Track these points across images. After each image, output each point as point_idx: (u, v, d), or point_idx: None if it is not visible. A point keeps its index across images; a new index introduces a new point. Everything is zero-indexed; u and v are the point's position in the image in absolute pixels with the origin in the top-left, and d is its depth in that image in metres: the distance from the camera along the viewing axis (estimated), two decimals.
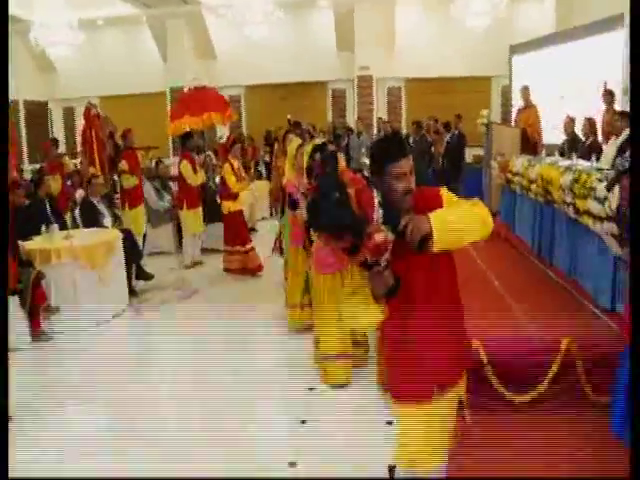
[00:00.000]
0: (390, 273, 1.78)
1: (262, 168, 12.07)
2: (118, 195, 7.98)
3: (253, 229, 9.59)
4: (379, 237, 1.72)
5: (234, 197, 7.00)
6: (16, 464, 1.86)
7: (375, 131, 12.80)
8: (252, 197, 9.81)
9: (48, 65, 15.67)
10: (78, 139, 15.97)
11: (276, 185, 8.17)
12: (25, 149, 15.10)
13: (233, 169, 6.94)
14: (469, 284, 4.63)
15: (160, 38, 14.61)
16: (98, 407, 3.88)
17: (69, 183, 8.52)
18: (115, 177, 8.08)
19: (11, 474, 2.12)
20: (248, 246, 7.05)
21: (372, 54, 13.42)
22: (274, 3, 12.09)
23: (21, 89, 15.24)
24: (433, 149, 10.27)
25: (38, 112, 15.95)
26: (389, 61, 13.52)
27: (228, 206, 7.01)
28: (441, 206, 1.85)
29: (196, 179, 7.34)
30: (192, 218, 7.49)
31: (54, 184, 7.34)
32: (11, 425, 3.09)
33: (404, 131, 12.25)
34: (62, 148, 14.22)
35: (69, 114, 16.70)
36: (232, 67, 14.27)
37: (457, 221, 1.76)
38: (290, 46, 14.05)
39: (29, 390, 3.97)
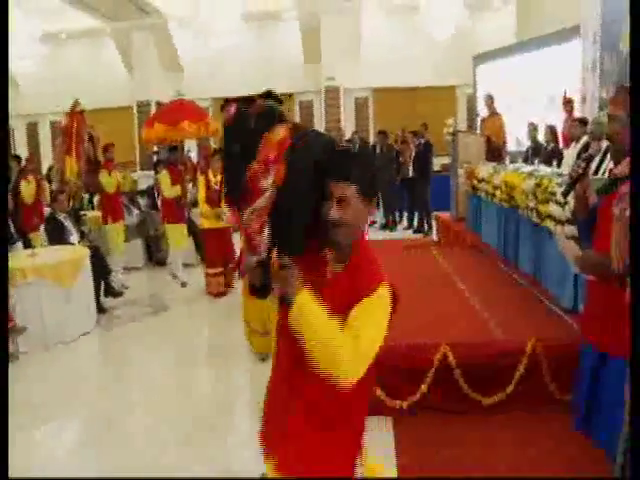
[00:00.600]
0: (259, 271, 1.57)
1: None
2: (84, 212, 7.88)
3: None
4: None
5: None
6: None
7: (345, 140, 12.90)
8: None
9: (9, 80, 15.41)
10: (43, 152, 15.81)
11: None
12: None
13: (208, 183, 6.54)
14: (435, 288, 4.73)
15: (125, 51, 14.52)
16: (66, 426, 3.81)
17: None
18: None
19: None
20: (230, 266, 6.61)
21: (339, 65, 13.57)
22: (240, 15, 12.15)
23: None
24: (401, 158, 10.39)
25: None
26: (356, 71, 13.68)
27: (203, 222, 6.68)
28: (358, 298, 1.50)
29: (170, 192, 7.11)
30: (175, 232, 7.25)
31: (28, 192, 7.19)
32: None
33: (371, 140, 12.35)
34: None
35: (33, 130, 16.46)
36: (199, 80, 14.25)
37: (315, 328, 1.44)
38: (257, 58, 14.12)
39: None
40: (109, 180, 7.29)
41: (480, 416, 3.16)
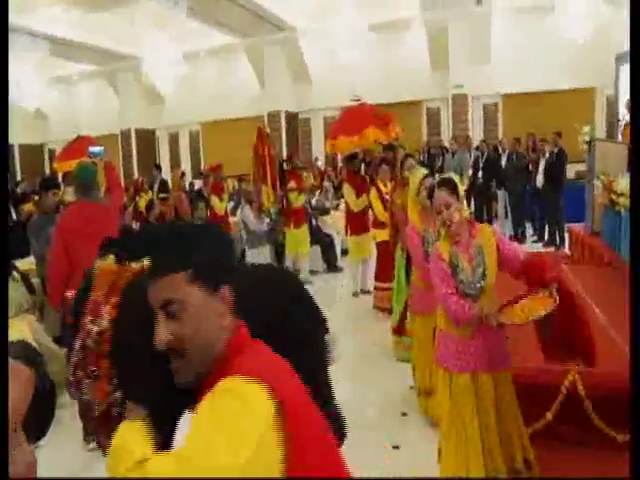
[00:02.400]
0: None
1: None
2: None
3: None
4: None
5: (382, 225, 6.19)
6: None
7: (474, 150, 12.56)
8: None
9: (156, 96, 16.84)
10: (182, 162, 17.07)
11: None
12: (136, 173, 16.29)
13: (380, 194, 6.31)
14: (566, 309, 4.45)
15: (257, 65, 15.27)
16: None
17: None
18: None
19: None
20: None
21: (467, 71, 13.26)
22: (367, 26, 12.30)
23: (133, 120, 16.52)
24: (530, 167, 9.93)
25: (147, 139, 17.18)
26: (484, 77, 13.29)
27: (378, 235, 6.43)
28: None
29: (358, 205, 7.00)
30: (356, 243, 7.25)
31: (219, 204, 7.77)
32: None
33: (500, 148, 11.90)
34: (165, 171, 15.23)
35: (174, 140, 17.85)
36: (327, 90, 14.61)
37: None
38: (384, 67, 14.19)
39: None
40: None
41: (610, 452, 2.93)
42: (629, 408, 1.69)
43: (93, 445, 3.33)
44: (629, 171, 6.81)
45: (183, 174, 9.37)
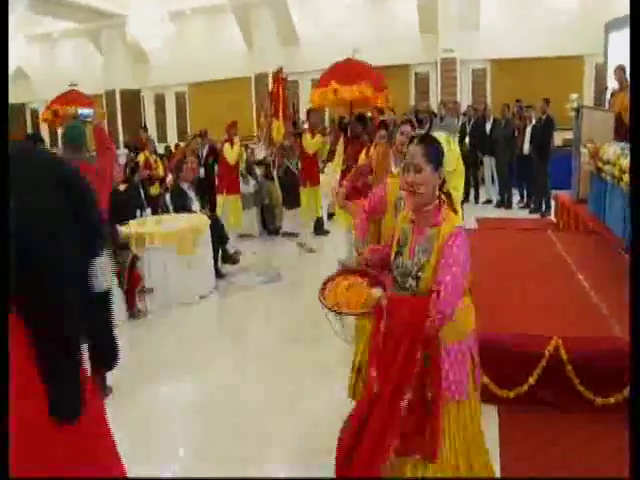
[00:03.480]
0: None
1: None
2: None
3: (333, 214, 9.75)
4: None
5: None
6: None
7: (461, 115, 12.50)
8: (334, 182, 9.93)
9: (142, 56, 16.46)
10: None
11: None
12: (121, 135, 16.03)
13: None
14: (551, 275, 4.55)
15: (244, 26, 14.95)
16: (186, 384, 4.16)
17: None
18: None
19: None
20: None
21: (456, 36, 13.09)
22: None
23: (117, 80, 16.17)
24: (516, 133, 9.97)
25: (132, 100, 16.84)
26: (474, 43, 13.15)
27: None
28: None
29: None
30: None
31: (230, 152, 7.93)
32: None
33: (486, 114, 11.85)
34: (153, 133, 15.03)
35: (160, 101, 17.53)
36: (315, 53, 14.37)
37: None
38: (372, 30, 13.95)
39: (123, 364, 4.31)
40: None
41: (590, 414, 3.04)
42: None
43: None
44: (615, 139, 6.89)
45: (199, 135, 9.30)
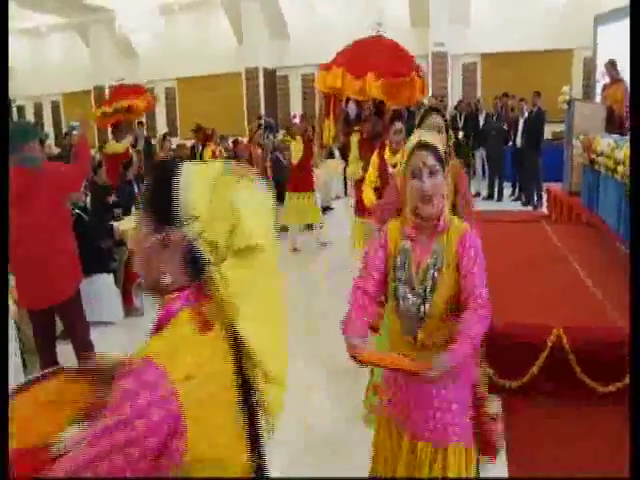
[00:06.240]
0: None
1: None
2: None
3: (328, 207, 9.79)
4: None
5: None
6: None
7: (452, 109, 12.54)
8: (327, 175, 9.96)
9: (130, 51, 16.32)
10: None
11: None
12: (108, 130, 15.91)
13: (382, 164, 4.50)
14: (547, 266, 4.59)
15: (234, 20, 14.87)
16: None
17: None
18: None
19: None
20: None
21: (447, 30, 13.12)
22: None
23: (104, 75, 16.03)
24: (506, 126, 10.07)
25: None
26: (464, 36, 13.18)
27: None
28: None
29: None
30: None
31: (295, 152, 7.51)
32: None
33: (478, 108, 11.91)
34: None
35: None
36: (305, 47, 14.35)
37: None
38: (363, 24, 13.92)
39: None
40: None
41: (594, 406, 3.08)
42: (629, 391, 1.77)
43: None
44: (607, 131, 6.95)
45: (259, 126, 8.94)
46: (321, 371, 3.98)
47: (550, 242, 5.45)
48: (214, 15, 15.24)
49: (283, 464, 2.83)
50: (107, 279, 5.18)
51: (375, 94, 5.57)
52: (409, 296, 1.85)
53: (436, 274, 1.82)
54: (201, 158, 7.55)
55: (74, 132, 4.25)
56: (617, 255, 4.93)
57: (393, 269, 1.89)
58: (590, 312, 3.53)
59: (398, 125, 3.99)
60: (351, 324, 1.84)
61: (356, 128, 6.02)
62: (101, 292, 5.13)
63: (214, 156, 8.23)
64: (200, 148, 8.85)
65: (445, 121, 2.72)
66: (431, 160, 1.83)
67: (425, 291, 1.83)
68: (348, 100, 6.47)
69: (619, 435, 2.78)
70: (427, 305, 1.83)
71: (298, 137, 7.48)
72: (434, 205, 1.83)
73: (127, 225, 5.85)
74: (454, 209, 2.66)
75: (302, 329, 4.58)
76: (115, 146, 8.27)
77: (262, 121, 10.33)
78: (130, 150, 8.42)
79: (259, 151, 8.98)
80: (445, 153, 2.10)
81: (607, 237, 5.48)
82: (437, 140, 1.93)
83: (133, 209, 6.82)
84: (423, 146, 1.86)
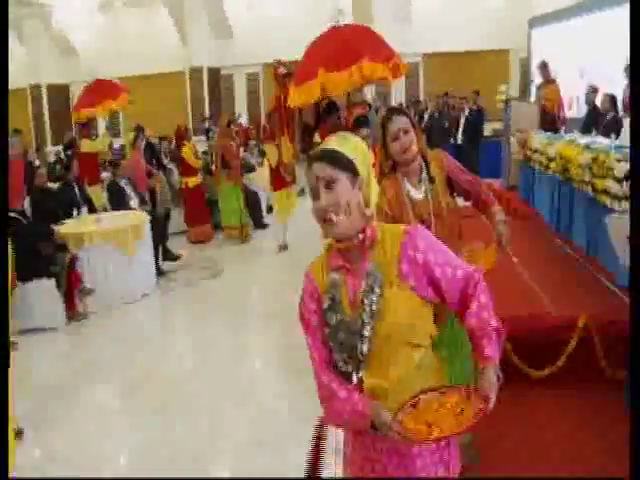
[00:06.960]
0: None
1: None
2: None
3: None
4: None
5: None
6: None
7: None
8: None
9: (69, 48, 15.82)
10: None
11: None
12: (48, 131, 15.38)
13: None
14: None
15: (177, 18, 14.65)
16: (125, 384, 4.09)
17: None
18: None
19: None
20: None
21: (389, 30, 13.29)
22: None
23: (43, 73, 15.46)
24: (447, 124, 10.35)
25: (60, 94, 16.17)
26: (406, 37, 13.42)
27: None
28: None
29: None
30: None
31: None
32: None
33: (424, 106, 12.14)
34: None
35: None
36: (249, 46, 14.28)
37: None
38: (307, 22, 13.97)
39: (64, 368, 4.21)
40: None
41: (527, 391, 3.22)
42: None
43: None
44: (541, 128, 7.25)
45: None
46: None
47: (488, 235, 5.63)
48: (157, 13, 14.97)
49: None
50: (47, 284, 5.04)
51: (381, 75, 4.77)
52: (347, 335, 1.45)
53: (375, 299, 1.43)
54: (70, 162, 7.44)
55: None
56: (552, 247, 5.16)
57: (324, 314, 1.49)
58: (525, 301, 3.69)
59: (364, 132, 3.79)
60: (348, 404, 1.43)
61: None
62: (41, 298, 4.99)
63: (194, 154, 8.15)
64: (175, 148, 8.87)
65: (411, 120, 2.46)
66: (327, 170, 1.43)
67: (368, 322, 1.43)
68: (301, 110, 6.05)
69: (550, 418, 2.95)
70: (367, 343, 1.44)
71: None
72: (338, 224, 1.42)
73: (68, 229, 5.71)
74: (476, 205, 2.65)
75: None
76: (91, 144, 8.14)
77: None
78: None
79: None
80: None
81: (542, 229, 5.72)
82: (352, 144, 1.49)
83: (75, 212, 6.66)
84: (317, 158, 1.46)
